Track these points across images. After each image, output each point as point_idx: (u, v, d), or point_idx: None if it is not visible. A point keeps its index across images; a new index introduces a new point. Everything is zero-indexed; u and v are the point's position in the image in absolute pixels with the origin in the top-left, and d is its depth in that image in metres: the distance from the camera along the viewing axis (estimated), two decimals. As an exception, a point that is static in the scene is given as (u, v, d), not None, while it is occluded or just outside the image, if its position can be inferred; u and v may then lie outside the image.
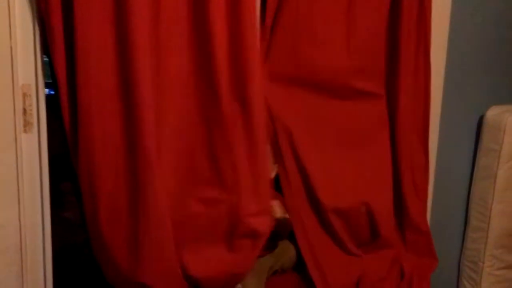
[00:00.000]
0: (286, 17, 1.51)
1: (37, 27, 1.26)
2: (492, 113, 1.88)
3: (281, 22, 1.51)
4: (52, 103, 1.36)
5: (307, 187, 1.60)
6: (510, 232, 1.94)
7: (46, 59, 1.34)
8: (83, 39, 1.21)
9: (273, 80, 1.53)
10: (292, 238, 1.62)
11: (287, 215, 1.55)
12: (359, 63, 1.61)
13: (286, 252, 1.61)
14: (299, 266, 1.62)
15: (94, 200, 1.31)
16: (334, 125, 1.64)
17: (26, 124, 1.28)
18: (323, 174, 1.61)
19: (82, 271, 1.85)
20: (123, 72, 1.25)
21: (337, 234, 1.64)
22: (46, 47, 1.28)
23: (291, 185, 1.59)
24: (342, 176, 1.64)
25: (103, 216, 1.31)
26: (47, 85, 1.39)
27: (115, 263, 1.36)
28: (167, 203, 1.33)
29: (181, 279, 1.40)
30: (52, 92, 1.86)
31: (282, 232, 1.56)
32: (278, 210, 1.51)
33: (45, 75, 1.33)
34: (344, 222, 1.64)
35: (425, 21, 1.63)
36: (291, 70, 1.56)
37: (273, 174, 1.57)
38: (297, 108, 1.59)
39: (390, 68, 1.67)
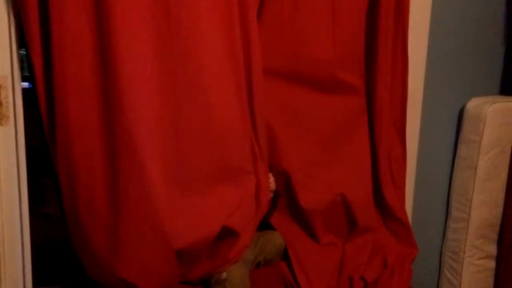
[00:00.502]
0: (271, 10, 1.50)
1: (12, 19, 1.24)
2: (473, 104, 1.89)
3: (266, 14, 1.50)
4: (33, 96, 1.34)
5: (287, 186, 1.63)
6: (491, 223, 1.96)
7: (23, 52, 1.33)
8: (59, 31, 1.19)
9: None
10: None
11: None
12: (343, 56, 1.62)
13: (269, 242, 1.61)
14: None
15: (73, 193, 1.29)
16: (316, 118, 1.65)
17: (2, 117, 1.26)
18: (303, 172, 1.63)
19: (64, 267, 1.83)
20: (100, 63, 1.23)
21: (313, 229, 1.66)
22: (23, 39, 1.26)
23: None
24: (321, 171, 1.66)
25: (82, 209, 1.29)
26: (25, 79, 1.37)
27: (95, 258, 1.35)
28: (153, 195, 1.32)
29: (164, 276, 1.39)
30: (31, 86, 1.84)
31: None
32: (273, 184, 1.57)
33: (22, 68, 1.31)
34: (320, 217, 1.66)
35: (403, 14, 1.64)
36: (275, 63, 1.56)
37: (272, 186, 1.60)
38: (280, 101, 1.60)
39: (368, 60, 1.68)
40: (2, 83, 1.24)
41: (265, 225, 1.64)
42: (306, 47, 1.56)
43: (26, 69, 1.40)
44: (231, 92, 1.42)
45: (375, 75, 1.66)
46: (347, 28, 1.61)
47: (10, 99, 1.27)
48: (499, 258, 2.01)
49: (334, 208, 1.67)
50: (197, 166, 1.41)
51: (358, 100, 1.69)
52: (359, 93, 1.69)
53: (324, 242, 1.67)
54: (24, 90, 1.32)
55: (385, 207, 1.75)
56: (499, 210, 1.98)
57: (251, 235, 1.51)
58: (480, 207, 1.92)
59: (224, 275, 1.44)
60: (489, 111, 1.84)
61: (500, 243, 2.00)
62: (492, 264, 2.01)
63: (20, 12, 1.22)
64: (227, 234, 1.44)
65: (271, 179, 1.59)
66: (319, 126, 1.65)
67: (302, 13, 1.54)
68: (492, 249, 2.01)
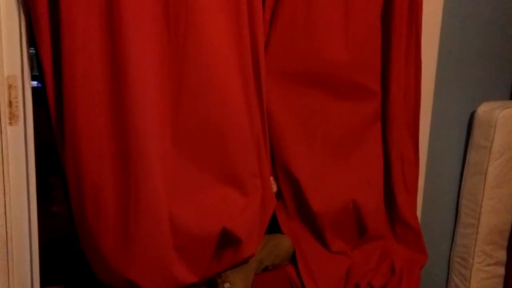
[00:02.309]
0: (285, 11, 1.49)
1: (23, 18, 1.24)
2: (483, 109, 1.88)
3: (280, 15, 1.49)
4: (42, 95, 1.34)
5: (296, 191, 1.61)
6: (500, 229, 1.95)
7: (33, 51, 1.33)
8: (68, 29, 1.19)
9: (271, 74, 1.51)
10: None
11: None
12: (358, 58, 1.60)
13: (277, 247, 1.60)
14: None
15: (80, 192, 1.29)
16: (329, 121, 1.63)
17: (12, 117, 1.26)
18: (314, 178, 1.60)
19: (71, 266, 1.83)
20: (109, 63, 1.23)
21: (323, 235, 1.64)
22: (33, 39, 1.26)
23: (280, 188, 1.61)
24: (332, 177, 1.64)
25: (89, 208, 1.29)
26: (34, 78, 1.37)
27: (102, 258, 1.35)
28: (163, 195, 1.32)
29: (170, 278, 1.39)
30: (40, 85, 1.84)
31: None
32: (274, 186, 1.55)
33: (31, 67, 1.31)
34: (331, 223, 1.64)
35: (416, 17, 1.63)
36: (289, 65, 1.54)
37: (274, 188, 1.58)
38: (292, 104, 1.58)
39: (383, 63, 1.67)
40: (12, 83, 1.24)
41: (273, 228, 1.64)
42: (319, 49, 1.54)
43: (36, 69, 1.40)
44: (240, 94, 1.41)
45: (388, 77, 1.65)
46: (361, 29, 1.59)
47: (20, 99, 1.27)
48: (508, 265, 1.99)
49: (345, 214, 1.65)
50: (203, 167, 1.40)
51: (373, 104, 1.67)
52: (375, 98, 1.67)
53: (334, 250, 1.65)
54: (32, 89, 1.33)
55: (396, 212, 1.74)
56: (509, 216, 1.96)
57: (256, 244, 1.48)
58: (489, 213, 1.90)
59: (227, 285, 1.43)
60: (499, 116, 1.83)
61: (510, 249, 1.99)
62: (501, 270, 2.00)
63: (31, 12, 1.22)
64: (230, 240, 1.43)
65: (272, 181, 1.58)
66: (331, 130, 1.63)
67: (316, 13, 1.52)
68: (502, 255, 1.99)
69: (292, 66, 1.54)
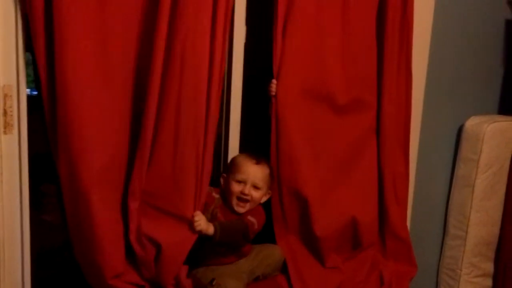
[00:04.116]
0: (294, 26, 1.52)
1: (20, 28, 1.25)
2: (471, 123, 1.91)
3: (290, 30, 1.52)
4: (37, 102, 1.35)
5: (303, 211, 1.61)
6: (487, 241, 1.97)
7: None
8: (62, 36, 1.20)
9: (286, 94, 1.54)
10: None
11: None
12: (353, 72, 1.63)
13: (268, 257, 1.60)
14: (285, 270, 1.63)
15: (75, 202, 1.30)
16: (331, 137, 1.65)
17: (6, 126, 1.26)
18: (320, 197, 1.61)
19: (62, 274, 1.82)
20: (104, 70, 1.26)
21: (320, 251, 1.65)
22: (29, 45, 1.27)
23: (284, 209, 1.61)
24: (335, 193, 1.66)
25: (84, 215, 1.30)
26: (29, 85, 1.38)
27: (96, 268, 1.35)
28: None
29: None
30: (35, 92, 1.85)
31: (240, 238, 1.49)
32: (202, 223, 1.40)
33: (27, 76, 1.32)
34: (330, 242, 1.65)
35: (407, 33, 1.67)
36: (302, 84, 1.57)
37: (264, 199, 1.56)
38: (304, 123, 1.59)
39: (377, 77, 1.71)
40: (8, 92, 1.25)
41: (264, 238, 1.65)
42: (322, 66, 1.58)
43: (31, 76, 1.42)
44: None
45: (380, 93, 1.69)
46: (356, 44, 1.63)
47: (15, 108, 1.28)
48: (495, 276, 2.02)
49: (344, 232, 1.67)
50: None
51: (370, 116, 1.70)
52: (371, 109, 1.70)
53: (328, 265, 1.66)
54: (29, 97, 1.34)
55: (388, 224, 1.75)
56: (496, 228, 1.99)
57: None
58: (477, 225, 1.93)
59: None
60: (487, 130, 1.86)
61: (497, 261, 2.01)
62: (489, 282, 2.02)
63: (28, 18, 1.23)
64: None
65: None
66: (333, 146, 1.65)
67: (322, 35, 1.57)
68: (489, 267, 2.01)
69: (304, 84, 1.57)
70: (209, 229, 1.38)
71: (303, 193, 1.58)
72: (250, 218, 1.48)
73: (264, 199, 1.55)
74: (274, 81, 1.54)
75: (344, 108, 1.65)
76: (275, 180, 1.58)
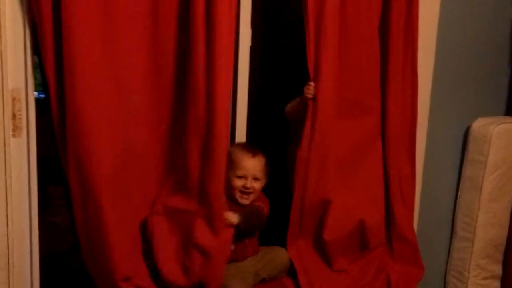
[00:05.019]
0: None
1: (27, 32, 1.27)
2: (478, 124, 1.90)
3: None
4: (44, 105, 1.37)
5: (320, 218, 1.63)
6: (495, 243, 1.96)
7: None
8: (71, 39, 1.21)
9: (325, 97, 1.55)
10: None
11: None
12: (353, 75, 1.63)
13: (274, 259, 1.61)
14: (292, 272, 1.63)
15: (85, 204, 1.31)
16: (344, 143, 1.65)
17: (15, 129, 1.28)
18: (334, 201, 1.62)
19: (70, 276, 1.84)
20: (112, 72, 1.27)
21: (328, 253, 1.65)
22: (37, 47, 1.28)
23: (303, 213, 1.62)
24: (342, 199, 1.65)
25: (93, 217, 1.31)
26: (37, 88, 1.39)
27: (106, 271, 1.35)
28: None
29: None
30: (43, 95, 1.87)
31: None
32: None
33: (35, 79, 1.34)
34: (338, 246, 1.65)
35: (412, 35, 1.66)
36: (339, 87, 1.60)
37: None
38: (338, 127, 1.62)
39: (381, 80, 1.70)
40: (16, 96, 1.27)
41: (270, 240, 1.65)
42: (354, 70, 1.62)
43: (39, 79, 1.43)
44: None
45: (386, 95, 1.68)
46: (357, 48, 1.62)
47: (24, 111, 1.29)
48: (504, 279, 2.01)
49: (352, 235, 1.68)
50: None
51: (373, 120, 1.70)
52: (374, 113, 1.70)
53: (336, 268, 1.66)
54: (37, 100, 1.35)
55: (394, 226, 1.75)
56: (504, 230, 1.98)
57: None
58: (485, 227, 1.92)
59: None
60: (494, 131, 1.85)
61: (505, 263, 2.00)
62: (497, 284, 2.01)
63: (36, 21, 1.24)
64: None
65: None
66: (340, 150, 1.65)
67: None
68: (497, 269, 2.00)
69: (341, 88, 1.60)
70: (237, 219, 1.44)
71: (328, 198, 1.61)
72: (257, 203, 1.54)
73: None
74: (311, 83, 1.54)
75: (345, 112, 1.64)
76: (298, 185, 1.59)
